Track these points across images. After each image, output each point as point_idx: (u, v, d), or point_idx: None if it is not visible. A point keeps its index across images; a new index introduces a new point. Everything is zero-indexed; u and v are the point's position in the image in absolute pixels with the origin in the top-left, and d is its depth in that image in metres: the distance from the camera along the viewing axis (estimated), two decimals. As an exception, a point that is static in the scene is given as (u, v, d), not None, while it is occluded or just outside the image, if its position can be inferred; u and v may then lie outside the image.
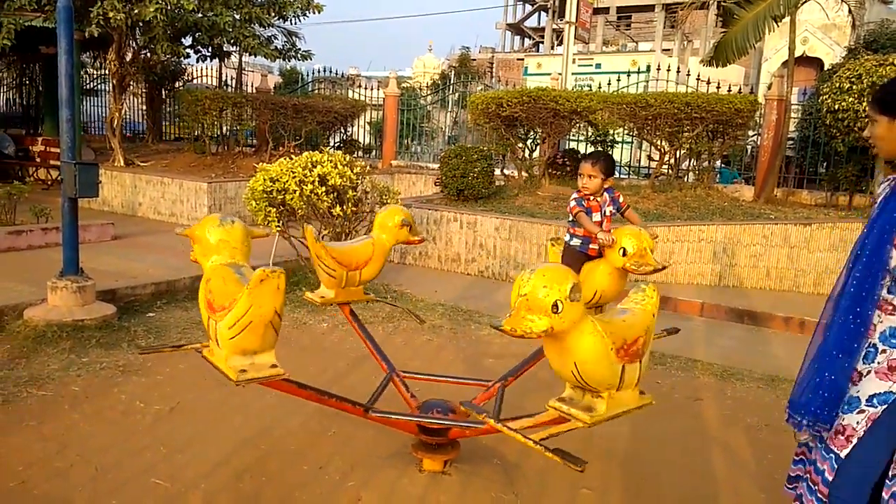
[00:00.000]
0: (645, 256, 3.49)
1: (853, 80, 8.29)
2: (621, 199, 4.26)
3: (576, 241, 4.16)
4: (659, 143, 9.91)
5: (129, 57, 11.85)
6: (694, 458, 3.76)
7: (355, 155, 12.89)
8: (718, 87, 10.70)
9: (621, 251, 3.55)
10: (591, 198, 4.15)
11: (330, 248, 3.49)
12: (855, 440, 2.11)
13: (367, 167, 7.09)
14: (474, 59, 39.73)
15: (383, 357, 3.70)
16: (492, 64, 40.23)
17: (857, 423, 2.11)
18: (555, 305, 2.15)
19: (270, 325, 2.53)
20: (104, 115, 16.64)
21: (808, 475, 2.29)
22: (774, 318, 6.77)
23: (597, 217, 4.09)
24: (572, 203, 4.16)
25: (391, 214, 3.65)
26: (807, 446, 2.36)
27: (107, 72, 13.20)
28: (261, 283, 2.44)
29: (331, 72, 16.54)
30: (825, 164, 10.98)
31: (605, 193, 4.18)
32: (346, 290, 3.56)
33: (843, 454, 2.12)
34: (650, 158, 11.25)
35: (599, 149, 12.25)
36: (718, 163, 11.59)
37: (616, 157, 12.88)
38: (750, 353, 5.89)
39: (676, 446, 3.90)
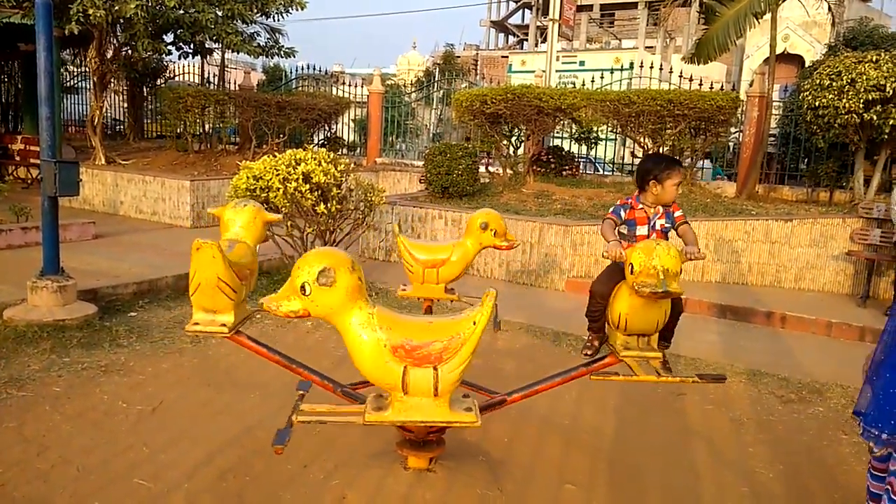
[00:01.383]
0: (650, 276, 2.79)
1: (833, 77, 8.37)
2: (678, 214, 3.59)
3: None
4: (642, 139, 9.96)
5: (109, 54, 11.71)
6: (677, 453, 3.79)
7: (339, 152, 12.85)
8: (701, 84, 10.78)
9: (629, 268, 2.92)
10: (642, 207, 3.55)
11: (410, 243, 3.75)
12: None
13: (352, 165, 7.07)
14: (459, 57, 39.70)
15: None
16: (476, 61, 40.24)
17: None
18: (303, 287, 2.22)
19: (218, 289, 2.77)
20: (85, 112, 16.44)
21: (890, 487, 2.26)
22: (756, 314, 6.84)
23: (642, 231, 3.53)
24: (611, 210, 3.65)
25: (475, 217, 3.76)
26: (879, 459, 2.35)
27: (87, 69, 13.05)
28: (197, 251, 2.70)
29: (315, 69, 16.47)
30: (806, 160, 11.09)
31: (660, 206, 3.59)
32: (424, 286, 3.78)
33: None
34: (633, 155, 11.31)
35: (583, 146, 12.31)
36: (702, 160, 11.67)
37: (600, 153, 12.96)
38: (732, 348, 5.94)
39: (660, 441, 3.93)
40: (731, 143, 12.43)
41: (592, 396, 4.46)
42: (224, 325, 2.87)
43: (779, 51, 12.96)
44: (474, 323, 2.34)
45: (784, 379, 5.07)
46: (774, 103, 11.04)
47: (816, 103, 8.48)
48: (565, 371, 3.31)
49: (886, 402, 2.21)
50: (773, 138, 11.53)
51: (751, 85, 10.90)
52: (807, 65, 15.56)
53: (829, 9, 11.56)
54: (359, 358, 2.32)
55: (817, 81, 8.54)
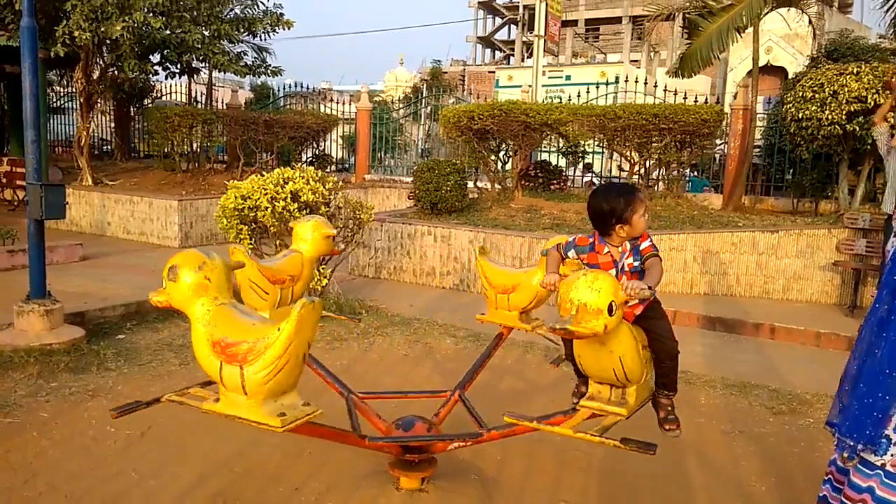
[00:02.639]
0: (565, 310, 2.46)
1: (815, 88, 8.49)
2: (644, 245, 2.84)
3: None
4: (629, 153, 10.04)
5: (96, 75, 11.72)
6: (670, 467, 3.79)
7: (328, 170, 12.87)
8: (686, 98, 10.89)
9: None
10: (608, 250, 2.89)
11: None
12: None
13: (340, 182, 7.07)
14: (446, 72, 39.93)
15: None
16: (463, 77, 40.46)
17: None
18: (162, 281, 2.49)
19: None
20: (71, 133, 16.41)
21: (848, 501, 2.27)
22: (745, 325, 6.87)
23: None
24: (562, 244, 3.07)
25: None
26: (836, 466, 2.36)
27: (74, 90, 13.04)
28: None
29: (302, 87, 16.52)
30: (791, 171, 11.21)
31: (627, 241, 2.88)
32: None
33: None
34: (620, 169, 11.39)
35: (570, 161, 12.37)
36: (688, 171, 11.76)
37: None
38: (722, 359, 5.96)
39: (650, 456, 3.91)
40: (716, 155, 12.54)
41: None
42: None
43: (762, 63, 13.14)
44: (279, 329, 2.26)
45: (774, 390, 5.08)
46: (758, 115, 11.17)
47: (800, 115, 8.59)
48: (545, 416, 3.05)
49: (861, 411, 2.23)
50: (757, 150, 11.65)
51: (735, 97, 11.02)
52: (790, 76, 15.77)
53: (810, 21, 11.70)
54: (194, 349, 2.45)
55: (800, 93, 8.65)
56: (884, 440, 2.19)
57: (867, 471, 2.23)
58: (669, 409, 3.03)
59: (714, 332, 6.88)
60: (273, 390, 2.34)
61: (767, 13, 10.54)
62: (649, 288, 2.58)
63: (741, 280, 8.05)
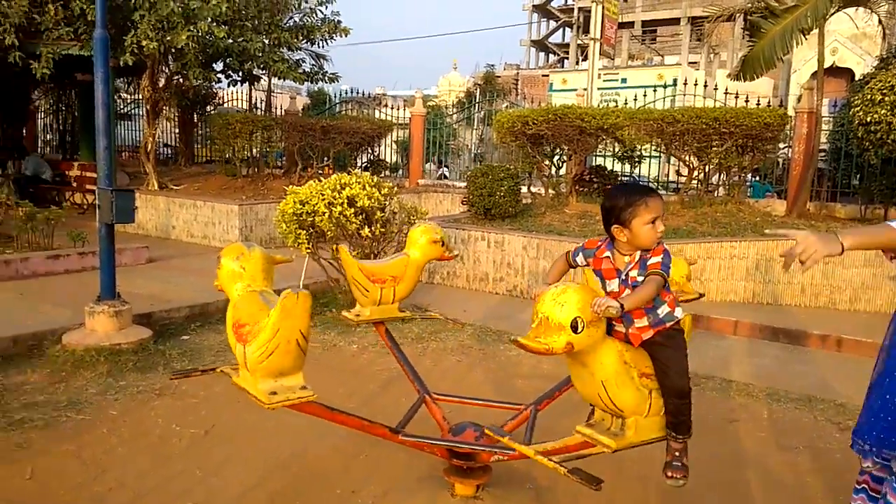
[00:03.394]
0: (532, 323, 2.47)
1: (885, 91, 8.15)
2: (653, 261, 2.52)
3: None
4: (687, 158, 9.84)
5: (162, 83, 12.14)
6: (732, 482, 3.70)
7: (382, 174, 13.01)
8: (747, 101, 10.61)
9: None
10: (609, 255, 2.64)
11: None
12: None
13: (395, 187, 7.15)
14: (499, 77, 39.95)
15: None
16: (517, 81, 40.36)
17: None
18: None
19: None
20: (137, 138, 17.04)
21: None
22: (811, 336, 6.64)
23: (612, 286, 2.61)
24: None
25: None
26: (870, 475, 2.28)
27: (140, 97, 13.53)
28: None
29: (357, 92, 16.75)
30: (858, 176, 10.79)
31: (638, 251, 2.57)
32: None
33: None
34: (678, 174, 11.17)
35: (626, 166, 12.19)
36: (749, 176, 11.45)
37: (644, 172, 12.82)
38: (786, 372, 5.78)
39: (713, 469, 3.83)
40: (779, 160, 12.18)
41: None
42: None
43: (827, 64, 12.69)
44: (269, 316, 2.47)
45: (841, 405, 4.90)
46: (824, 118, 10.79)
47: (868, 119, 8.27)
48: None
49: (872, 413, 2.17)
50: (823, 154, 11.26)
51: (799, 100, 10.68)
52: (857, 78, 15.19)
53: (880, 21, 11.25)
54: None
55: (868, 96, 8.33)
56: None
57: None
58: (677, 454, 2.64)
59: (777, 344, 6.68)
60: (268, 370, 2.51)
61: (834, 13, 10.17)
62: (621, 306, 2.28)
63: (806, 290, 7.79)
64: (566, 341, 2.26)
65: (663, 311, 2.56)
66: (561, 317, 2.26)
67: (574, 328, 2.25)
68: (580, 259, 2.76)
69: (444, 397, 3.77)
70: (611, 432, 2.58)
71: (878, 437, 2.12)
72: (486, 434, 3.26)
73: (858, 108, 8.47)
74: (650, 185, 12.94)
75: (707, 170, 9.89)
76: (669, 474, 2.65)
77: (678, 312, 2.59)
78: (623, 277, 2.58)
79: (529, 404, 3.54)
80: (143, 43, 9.64)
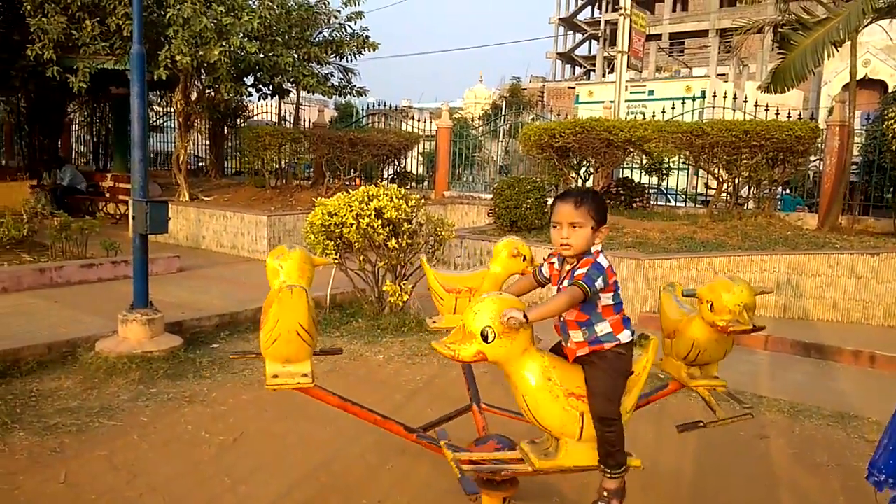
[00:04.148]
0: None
1: (921, 104, 8.03)
2: (579, 272, 2.41)
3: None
4: (717, 171, 9.76)
5: (194, 96, 12.37)
6: (761, 499, 3.64)
7: (408, 186, 13.08)
8: (778, 113, 10.50)
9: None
10: (554, 261, 2.66)
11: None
12: None
13: (421, 199, 7.19)
14: (525, 89, 40.02)
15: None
16: (542, 93, 40.39)
17: None
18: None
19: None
20: (169, 150, 17.36)
21: None
22: (843, 352, 6.52)
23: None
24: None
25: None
26: None
27: (173, 110, 13.80)
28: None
29: (384, 105, 16.89)
30: (892, 189, 10.60)
31: (576, 259, 2.50)
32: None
33: None
34: (707, 186, 11.07)
35: (653, 178, 12.11)
36: (780, 190, 11.31)
37: (672, 184, 12.73)
38: (818, 388, 5.68)
39: (743, 488, 3.78)
40: (810, 172, 12.02)
41: (670, 440, 4.33)
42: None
43: (859, 76, 12.51)
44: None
45: (875, 422, 4.79)
46: (856, 131, 10.64)
47: (903, 131, 8.14)
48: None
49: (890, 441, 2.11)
50: (855, 167, 11.09)
51: (830, 113, 10.55)
52: (890, 90, 14.95)
53: (914, 32, 11.10)
54: None
55: (903, 109, 8.20)
56: None
57: None
58: (605, 493, 2.46)
59: (809, 359, 6.57)
60: (274, 355, 2.72)
61: (867, 25, 10.05)
62: (524, 317, 2.22)
63: (839, 304, 7.66)
64: (476, 350, 2.27)
65: (602, 329, 2.46)
66: (473, 325, 2.27)
67: (484, 338, 2.25)
68: (545, 270, 2.72)
69: (494, 409, 3.75)
70: (544, 451, 2.54)
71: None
72: (514, 446, 3.25)
73: (893, 121, 8.35)
74: (678, 197, 12.83)
75: (736, 182, 9.81)
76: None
77: (623, 336, 2.47)
78: (560, 286, 2.54)
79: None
80: (177, 58, 9.85)
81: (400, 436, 3.22)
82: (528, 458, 2.51)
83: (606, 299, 2.46)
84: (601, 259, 2.42)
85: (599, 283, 2.37)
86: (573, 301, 2.35)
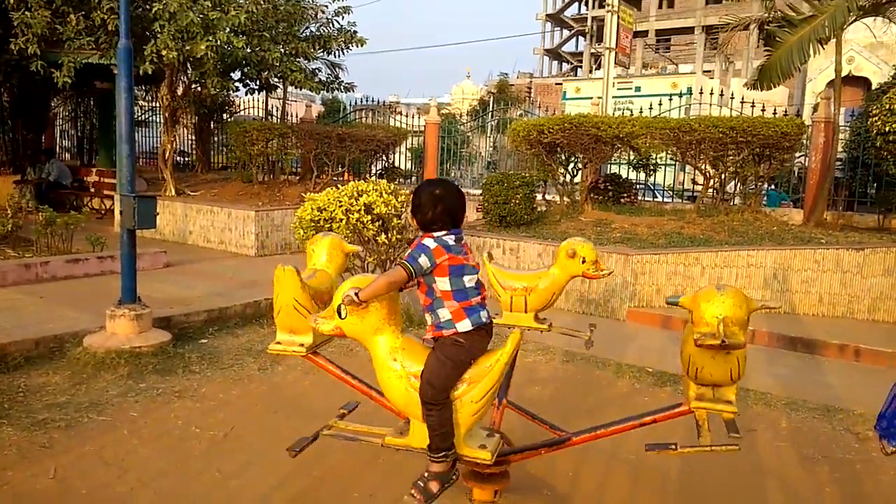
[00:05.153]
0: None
1: (904, 101, 8.11)
2: (406, 253, 2.58)
3: None
4: (703, 167, 9.82)
5: (180, 91, 12.27)
6: (749, 492, 3.68)
7: (397, 181, 13.06)
8: (763, 109, 10.58)
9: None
10: None
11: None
12: None
13: (411, 195, 7.19)
14: (512, 85, 40.02)
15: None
16: (530, 89, 40.42)
17: None
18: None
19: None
20: (155, 145, 17.21)
21: None
22: (829, 346, 6.60)
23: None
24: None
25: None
26: None
27: (158, 104, 13.68)
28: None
29: (371, 100, 16.84)
30: (875, 185, 10.72)
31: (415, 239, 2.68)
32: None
33: None
34: (694, 182, 11.14)
35: (641, 174, 12.16)
36: (766, 185, 11.41)
37: (659, 180, 12.80)
38: (805, 381, 5.75)
39: (731, 479, 3.82)
40: (795, 168, 12.13)
41: (659, 432, 4.37)
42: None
43: (844, 73, 12.62)
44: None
45: (860, 415, 4.86)
46: (840, 127, 10.74)
47: (886, 128, 8.22)
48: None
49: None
50: (840, 163, 11.20)
51: (815, 110, 10.64)
52: (874, 87, 15.11)
53: (898, 30, 11.22)
54: None
55: (887, 106, 8.29)
56: None
57: None
58: (426, 474, 2.51)
59: (795, 353, 6.64)
60: (280, 326, 2.96)
61: (851, 23, 10.15)
62: (355, 295, 2.38)
63: (824, 299, 7.74)
64: (334, 325, 2.50)
65: (443, 315, 2.51)
66: (334, 302, 2.51)
67: (339, 314, 2.47)
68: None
69: (515, 408, 3.72)
70: (400, 430, 2.69)
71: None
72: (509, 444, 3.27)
73: (877, 119, 8.43)
74: (665, 193, 12.90)
75: (723, 178, 9.87)
76: (411, 491, 2.53)
77: (461, 325, 2.48)
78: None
79: (570, 435, 3.47)
80: (163, 52, 9.76)
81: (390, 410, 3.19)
82: (382, 434, 2.71)
83: (443, 284, 2.48)
84: (427, 240, 2.46)
85: (424, 262, 2.41)
86: (394, 279, 2.42)
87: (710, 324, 2.38)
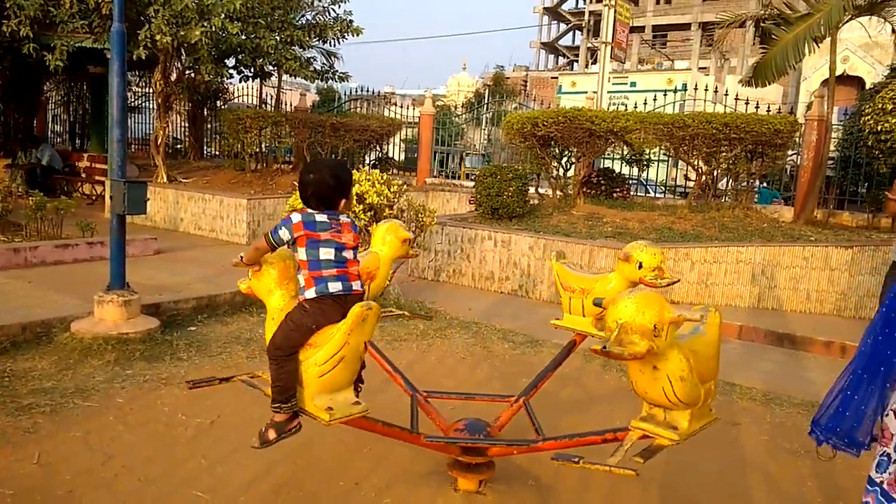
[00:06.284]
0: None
1: (896, 100, 8.15)
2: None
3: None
4: (696, 162, 9.84)
5: (174, 77, 12.18)
6: (732, 484, 3.72)
7: (390, 172, 13.04)
8: (757, 107, 10.60)
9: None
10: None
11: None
12: None
13: (403, 185, 7.17)
14: (508, 78, 39.97)
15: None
16: (526, 82, 40.37)
17: None
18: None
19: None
20: (148, 131, 17.11)
21: None
22: (815, 343, 6.65)
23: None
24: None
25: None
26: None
27: (151, 90, 13.59)
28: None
29: (366, 90, 16.78)
30: (866, 184, 10.76)
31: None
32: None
33: None
34: (686, 178, 11.17)
35: (634, 169, 12.19)
36: (757, 182, 11.45)
37: (652, 175, 12.82)
38: (790, 377, 5.79)
39: (714, 471, 3.85)
40: (787, 166, 12.16)
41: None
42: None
43: (838, 72, 12.64)
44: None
45: (844, 411, 4.90)
46: (833, 126, 10.78)
47: (879, 128, 8.27)
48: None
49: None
50: (831, 161, 11.23)
51: (808, 108, 10.67)
52: (868, 86, 15.15)
53: (893, 30, 11.22)
54: None
55: (879, 105, 8.33)
56: (884, 458, 2.17)
57: (869, 486, 2.22)
58: (269, 421, 2.73)
59: (781, 349, 6.69)
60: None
61: (847, 22, 10.16)
62: (241, 258, 2.78)
63: (812, 296, 7.79)
64: (248, 284, 2.86)
65: (300, 281, 2.75)
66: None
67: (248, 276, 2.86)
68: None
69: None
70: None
71: (832, 429, 2.27)
72: (490, 428, 3.30)
73: (869, 118, 8.47)
74: (658, 188, 12.92)
75: (715, 175, 9.90)
76: (260, 432, 2.75)
77: (308, 292, 2.68)
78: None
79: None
80: (157, 37, 9.69)
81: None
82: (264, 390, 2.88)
83: (301, 254, 2.71)
84: (294, 215, 2.70)
85: (283, 234, 2.66)
86: (258, 245, 2.75)
87: (611, 328, 2.25)
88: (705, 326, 2.60)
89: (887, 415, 2.18)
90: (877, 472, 2.18)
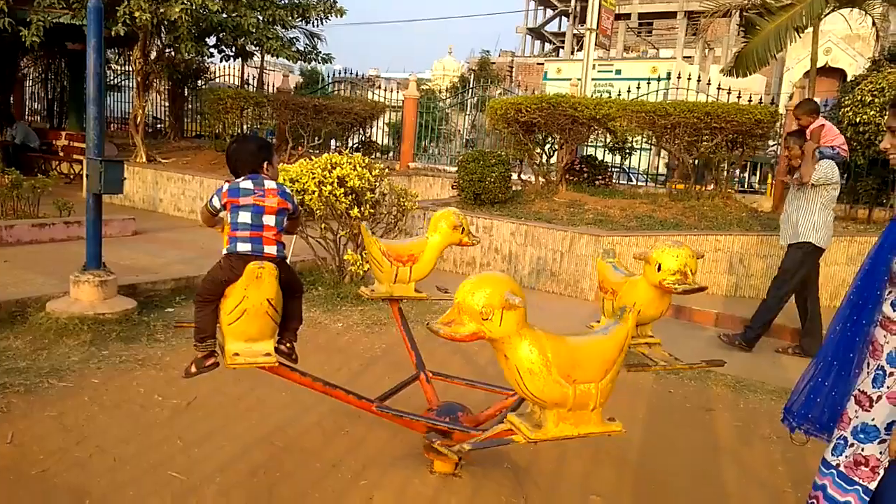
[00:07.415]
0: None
1: (875, 93, 8.23)
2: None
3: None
4: (678, 151, 9.89)
5: (153, 55, 12.02)
6: (705, 468, 3.77)
7: (373, 156, 12.98)
8: (739, 97, 10.67)
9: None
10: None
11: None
12: (881, 471, 2.10)
13: (385, 169, 7.14)
14: (494, 63, 39.84)
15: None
16: (511, 68, 40.26)
17: (881, 452, 2.10)
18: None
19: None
20: (126, 110, 16.87)
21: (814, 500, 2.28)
22: (788, 331, 6.74)
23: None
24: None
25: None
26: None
27: (131, 68, 13.39)
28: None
29: (351, 73, 16.65)
30: (845, 175, 10.89)
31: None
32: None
33: (871, 486, 2.11)
34: (668, 166, 11.23)
35: (616, 157, 12.22)
36: (738, 172, 11.54)
37: (634, 163, 12.87)
38: (763, 364, 5.88)
39: (687, 456, 3.91)
40: (768, 157, 12.27)
41: (620, 408, 4.44)
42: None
43: (820, 64, 12.76)
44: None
45: (816, 398, 4.99)
46: (814, 117, 10.87)
47: (857, 119, 8.35)
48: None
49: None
50: (811, 153, 11.33)
51: (790, 99, 10.75)
52: (849, 78, 15.29)
53: (874, 22, 11.32)
54: None
55: (859, 97, 8.41)
56: (840, 441, 2.21)
57: (824, 469, 2.26)
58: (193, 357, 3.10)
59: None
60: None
61: (829, 13, 10.23)
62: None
63: (787, 285, 7.88)
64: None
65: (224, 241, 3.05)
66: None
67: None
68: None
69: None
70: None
71: (804, 415, 2.34)
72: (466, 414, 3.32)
73: (849, 109, 8.56)
74: (640, 177, 13.00)
75: (696, 163, 9.96)
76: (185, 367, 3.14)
77: (225, 250, 2.97)
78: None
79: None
80: (136, 14, 9.53)
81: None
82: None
83: (227, 217, 3.02)
84: (224, 185, 3.00)
85: (215, 201, 3.00)
86: (201, 211, 3.15)
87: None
88: (615, 327, 2.44)
89: (847, 399, 2.22)
90: (833, 454, 2.21)
